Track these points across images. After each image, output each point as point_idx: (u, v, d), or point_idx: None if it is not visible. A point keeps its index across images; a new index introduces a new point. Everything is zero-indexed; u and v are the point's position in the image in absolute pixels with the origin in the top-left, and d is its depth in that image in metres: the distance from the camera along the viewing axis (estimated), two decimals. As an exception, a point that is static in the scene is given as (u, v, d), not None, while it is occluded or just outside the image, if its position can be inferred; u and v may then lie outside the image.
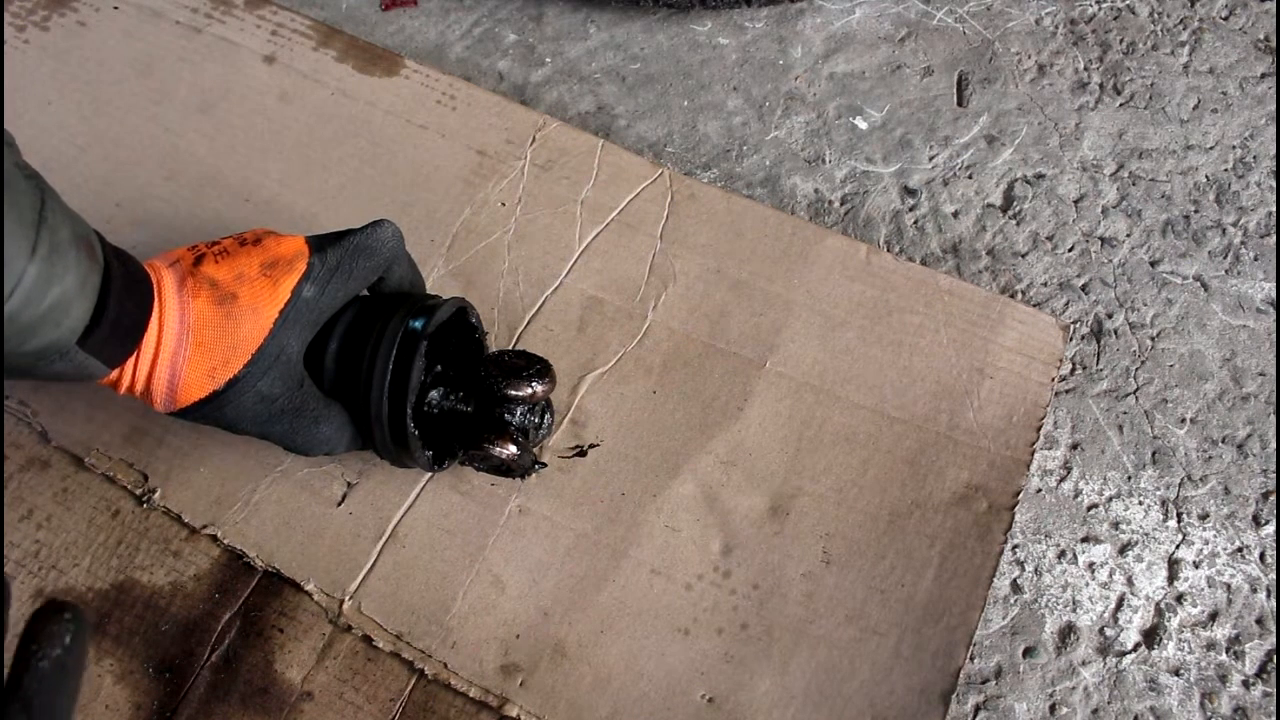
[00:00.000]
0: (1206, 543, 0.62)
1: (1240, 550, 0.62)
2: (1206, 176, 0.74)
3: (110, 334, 0.41)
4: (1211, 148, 0.75)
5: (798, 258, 0.64)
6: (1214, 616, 0.60)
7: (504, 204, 0.66)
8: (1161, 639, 0.59)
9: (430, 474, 0.57)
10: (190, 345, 0.44)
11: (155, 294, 0.44)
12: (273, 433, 0.49)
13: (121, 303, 0.42)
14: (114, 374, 0.44)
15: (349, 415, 0.50)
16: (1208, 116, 0.77)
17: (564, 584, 0.55)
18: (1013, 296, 0.69)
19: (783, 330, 0.62)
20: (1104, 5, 0.81)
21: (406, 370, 0.48)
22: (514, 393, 0.51)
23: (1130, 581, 0.61)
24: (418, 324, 0.49)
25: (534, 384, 0.51)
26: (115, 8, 0.74)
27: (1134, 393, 0.66)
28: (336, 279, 0.48)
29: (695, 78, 0.78)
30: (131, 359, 0.44)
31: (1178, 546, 0.62)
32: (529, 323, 0.62)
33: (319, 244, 0.49)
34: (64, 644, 0.32)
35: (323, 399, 0.49)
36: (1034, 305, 0.68)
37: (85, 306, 0.40)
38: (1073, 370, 0.67)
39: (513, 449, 0.51)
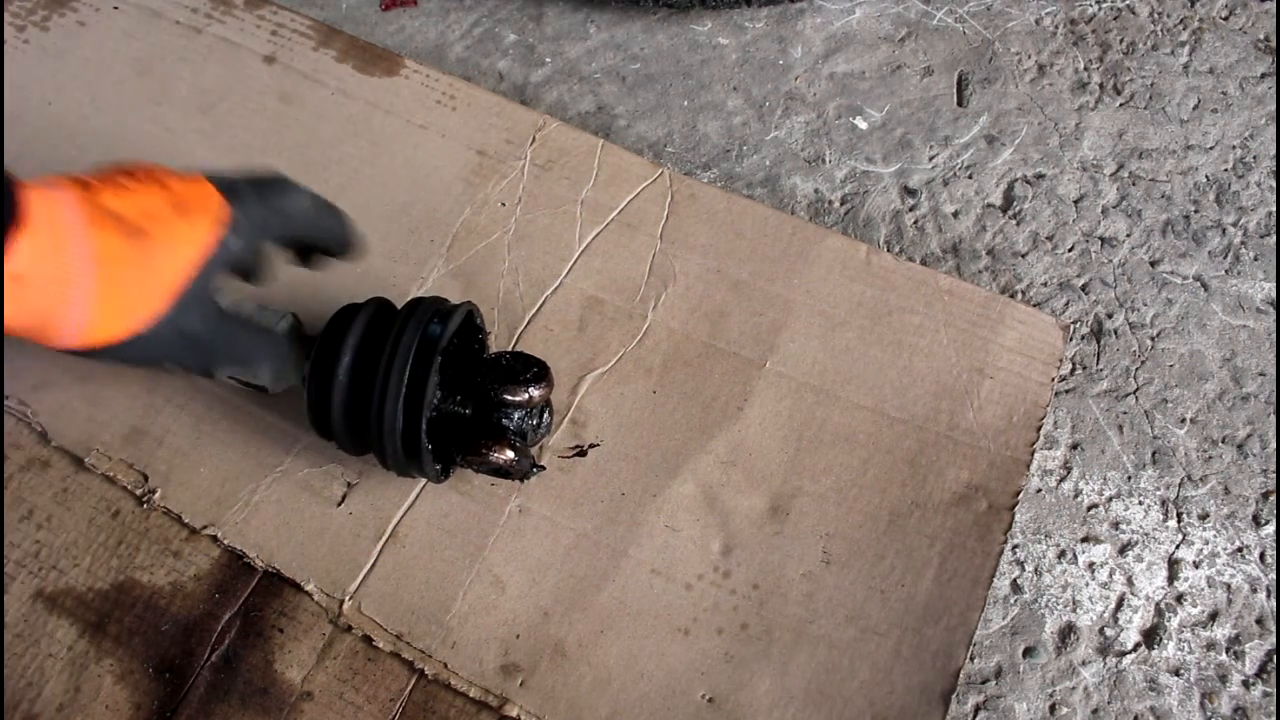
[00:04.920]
0: (1206, 543, 0.62)
1: (1240, 550, 0.62)
2: (1206, 176, 0.74)
3: None
4: (1211, 148, 0.75)
5: (798, 258, 0.64)
6: (1214, 616, 0.60)
7: (504, 204, 0.66)
8: (1161, 639, 0.59)
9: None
10: (99, 280, 0.42)
11: (18, 206, 0.40)
12: (194, 366, 0.49)
13: None
14: (9, 312, 0.40)
15: (283, 347, 0.51)
16: (1208, 116, 0.77)
17: (564, 584, 0.55)
18: (1013, 296, 0.69)
19: (783, 330, 0.62)
20: (1104, 5, 0.81)
21: (422, 385, 0.49)
22: (510, 398, 0.51)
23: (1130, 581, 0.61)
24: (433, 335, 0.49)
25: (531, 389, 0.51)
26: (115, 8, 0.74)
27: (1134, 393, 0.66)
28: (260, 234, 0.49)
29: (695, 78, 0.78)
30: (30, 292, 0.40)
31: (1178, 546, 0.62)
32: (529, 323, 0.62)
33: (232, 192, 0.48)
34: None
35: (252, 330, 0.50)
36: (1034, 305, 0.68)
37: None
38: (1073, 370, 0.67)
39: (510, 454, 0.51)
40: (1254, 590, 0.60)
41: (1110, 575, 0.61)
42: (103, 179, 0.45)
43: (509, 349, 0.61)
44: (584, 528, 0.56)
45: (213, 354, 0.49)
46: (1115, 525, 0.62)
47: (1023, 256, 0.71)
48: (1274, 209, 0.73)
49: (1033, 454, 0.58)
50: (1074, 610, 0.60)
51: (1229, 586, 0.61)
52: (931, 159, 0.75)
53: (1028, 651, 0.59)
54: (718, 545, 0.56)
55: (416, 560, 0.56)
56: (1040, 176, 0.74)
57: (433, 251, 0.64)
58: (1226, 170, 0.74)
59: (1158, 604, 0.60)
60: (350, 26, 0.79)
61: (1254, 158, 0.75)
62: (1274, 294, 0.69)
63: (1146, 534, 0.62)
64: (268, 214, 0.49)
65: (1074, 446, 0.64)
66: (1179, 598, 0.60)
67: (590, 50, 0.80)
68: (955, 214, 0.72)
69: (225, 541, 0.56)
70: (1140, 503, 0.63)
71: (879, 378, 0.60)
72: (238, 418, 0.59)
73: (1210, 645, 0.59)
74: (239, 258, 0.48)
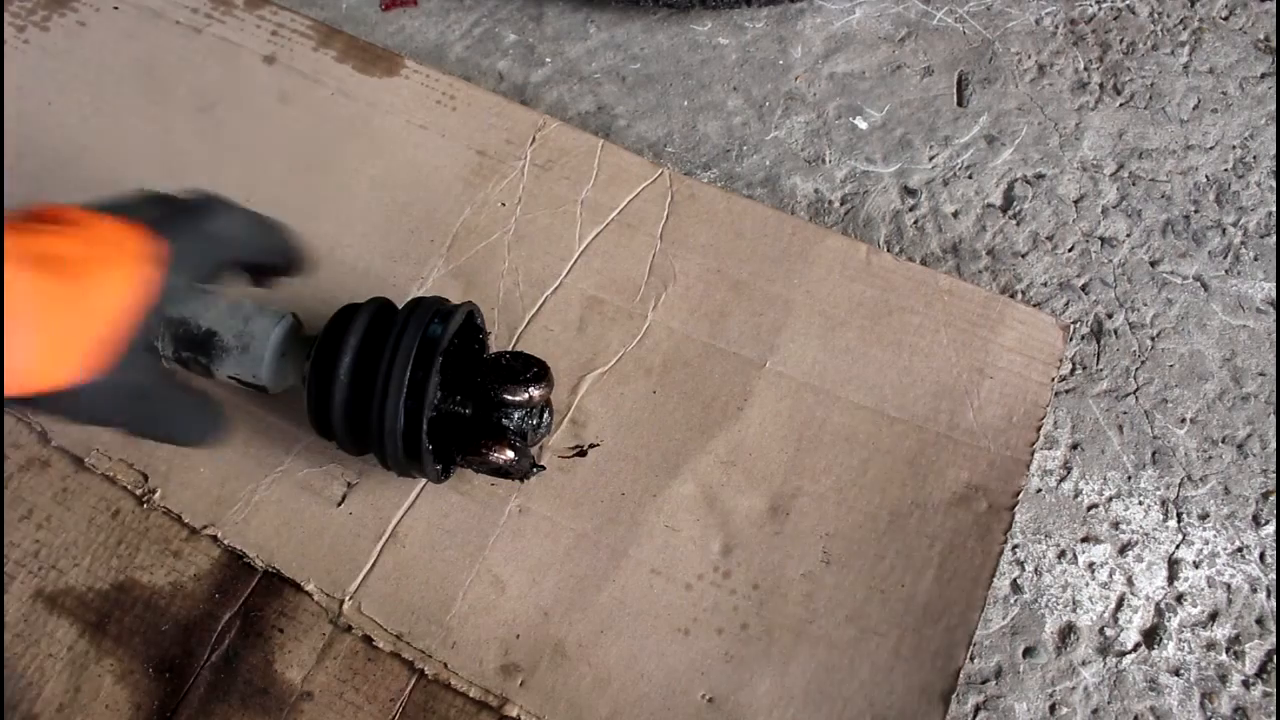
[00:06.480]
0: (1206, 543, 0.62)
1: (1240, 550, 0.62)
2: (1206, 176, 0.74)
3: None
4: (1211, 148, 0.75)
5: (798, 258, 0.64)
6: (1214, 616, 0.60)
7: (504, 204, 0.66)
8: (1161, 639, 0.59)
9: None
10: (33, 320, 0.37)
11: None
12: (137, 427, 0.45)
13: None
14: None
15: (218, 414, 0.47)
16: (1208, 116, 0.77)
17: (564, 584, 0.55)
18: (1013, 296, 0.69)
19: (783, 330, 0.62)
20: (1104, 5, 0.81)
21: (423, 386, 0.48)
22: (510, 398, 0.51)
23: (1130, 581, 0.61)
24: (434, 336, 0.49)
25: (530, 389, 0.51)
26: (115, 8, 0.74)
27: (1134, 393, 0.66)
28: (201, 267, 0.45)
29: (695, 78, 0.78)
30: None
31: (1178, 546, 0.62)
32: (529, 323, 0.62)
33: (162, 223, 0.43)
34: None
35: (192, 393, 0.46)
36: (1034, 305, 0.68)
37: None
38: (1073, 370, 0.67)
39: (510, 454, 0.51)
40: (1254, 590, 0.60)
41: (1110, 575, 0.61)
42: (19, 222, 0.40)
43: (509, 349, 0.61)
44: (584, 528, 0.56)
45: (155, 413, 0.44)
46: (1115, 525, 0.62)
47: (1023, 256, 0.71)
48: (1274, 209, 0.73)
49: (1033, 454, 0.58)
50: (1074, 610, 0.60)
51: (1229, 586, 0.61)
52: (931, 159, 0.75)
53: (1028, 651, 0.59)
54: (718, 545, 0.56)
55: (416, 560, 0.56)
56: (1040, 176, 0.74)
57: (433, 251, 0.64)
58: (1226, 170, 0.74)
59: (1158, 604, 0.60)
60: (350, 26, 0.79)
61: (1254, 158, 0.75)
62: (1274, 294, 0.69)
63: (1146, 534, 0.62)
64: (205, 243, 0.44)
65: (1074, 446, 0.64)
66: (1179, 598, 0.60)
67: (590, 50, 0.80)
68: (955, 214, 0.72)
69: (225, 541, 0.56)
70: (1140, 503, 0.63)
71: (879, 378, 0.60)
72: (238, 418, 0.59)
73: (1210, 645, 0.59)
74: (180, 299, 0.44)
